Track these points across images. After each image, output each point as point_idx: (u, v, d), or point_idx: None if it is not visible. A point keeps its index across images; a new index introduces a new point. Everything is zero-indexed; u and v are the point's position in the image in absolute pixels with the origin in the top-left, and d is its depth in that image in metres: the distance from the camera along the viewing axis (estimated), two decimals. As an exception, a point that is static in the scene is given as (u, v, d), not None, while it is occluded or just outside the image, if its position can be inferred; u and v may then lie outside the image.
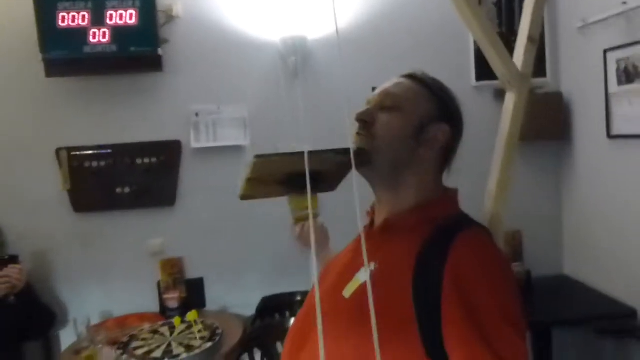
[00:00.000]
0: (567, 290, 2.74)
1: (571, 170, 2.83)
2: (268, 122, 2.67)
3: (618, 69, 2.39)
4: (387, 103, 0.98)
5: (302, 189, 0.98)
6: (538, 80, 2.80)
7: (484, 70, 2.77)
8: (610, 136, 2.48)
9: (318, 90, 2.66)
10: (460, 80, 2.79)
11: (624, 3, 2.23)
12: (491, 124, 2.86)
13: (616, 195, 2.50)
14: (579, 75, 2.71)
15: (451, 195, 1.03)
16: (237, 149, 2.68)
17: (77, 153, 2.59)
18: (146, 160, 2.63)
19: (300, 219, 1.13)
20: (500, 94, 2.81)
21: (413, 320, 0.83)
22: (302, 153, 0.90)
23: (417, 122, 0.97)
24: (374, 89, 2.93)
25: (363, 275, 0.92)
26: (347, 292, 0.92)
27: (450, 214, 0.98)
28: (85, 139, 2.61)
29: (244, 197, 1.02)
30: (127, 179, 2.62)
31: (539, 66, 2.81)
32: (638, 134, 2.31)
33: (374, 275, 0.90)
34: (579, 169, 2.78)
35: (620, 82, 2.39)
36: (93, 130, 2.62)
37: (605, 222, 2.60)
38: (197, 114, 2.64)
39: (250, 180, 0.97)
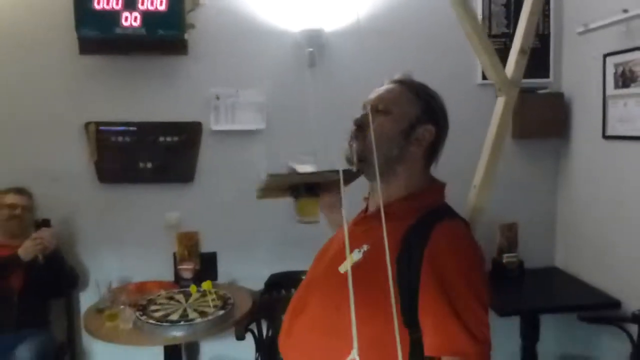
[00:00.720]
0: (557, 281, 2.91)
1: (568, 167, 2.99)
2: (284, 108, 2.83)
3: (616, 73, 2.53)
4: (380, 107, 1.12)
5: (304, 195, 1.21)
6: (541, 81, 2.95)
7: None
8: (605, 136, 2.63)
9: (332, 80, 2.81)
10: (466, 78, 2.95)
11: (625, 11, 2.36)
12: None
13: (608, 193, 2.66)
14: (579, 77, 2.85)
15: (438, 187, 1.18)
16: (253, 132, 2.84)
17: (105, 128, 2.75)
18: (168, 139, 2.79)
19: (303, 222, 1.28)
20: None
21: (397, 294, 0.99)
22: (303, 173, 1.13)
23: (406, 124, 1.10)
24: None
25: (357, 255, 1.07)
26: (342, 267, 1.07)
27: (436, 205, 1.13)
28: (112, 115, 2.77)
29: (259, 198, 1.28)
30: (150, 155, 2.79)
31: (542, 67, 2.95)
32: (631, 135, 2.46)
33: (366, 255, 1.06)
34: (575, 167, 2.93)
35: (617, 86, 2.53)
36: (120, 108, 2.78)
37: (596, 219, 2.76)
38: (217, 97, 2.80)
39: (264, 189, 1.22)
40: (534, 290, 2.80)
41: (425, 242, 1.00)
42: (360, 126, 1.12)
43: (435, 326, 0.96)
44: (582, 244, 2.88)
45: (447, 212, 1.11)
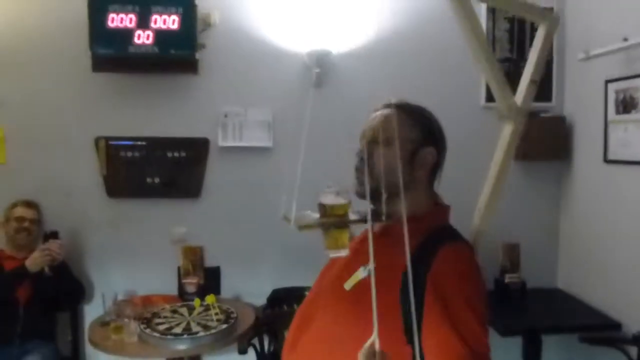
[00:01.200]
0: (559, 302, 2.92)
1: (569, 190, 3.02)
2: (290, 127, 2.88)
3: (617, 99, 2.58)
4: (380, 138, 1.14)
5: (334, 228, 1.14)
6: (544, 105, 3.00)
7: (491, 93, 2.96)
8: (606, 160, 2.67)
9: (338, 100, 2.87)
10: (470, 100, 3.00)
11: (625, 39, 2.42)
12: (497, 144, 3.06)
13: (609, 216, 2.69)
14: (581, 101, 2.91)
15: (442, 209, 1.22)
16: (260, 150, 2.90)
17: (114, 143, 2.82)
18: (176, 155, 2.85)
19: (332, 255, 1.23)
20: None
21: (399, 313, 1.03)
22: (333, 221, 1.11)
23: (408, 151, 1.14)
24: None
25: (362, 273, 1.09)
26: (348, 285, 1.11)
27: (440, 226, 1.17)
28: (122, 131, 2.84)
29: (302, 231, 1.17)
30: (158, 170, 2.85)
31: (545, 91, 3.01)
32: (631, 160, 2.50)
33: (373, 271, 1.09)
34: (576, 190, 2.97)
35: (618, 111, 2.58)
36: (130, 123, 2.85)
37: (597, 241, 2.78)
38: (225, 115, 2.87)
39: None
40: (536, 311, 2.81)
41: (429, 265, 1.04)
42: (363, 159, 1.15)
43: (438, 345, 0.99)
44: (584, 265, 2.90)
45: (451, 235, 1.14)
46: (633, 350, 2.37)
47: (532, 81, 1.29)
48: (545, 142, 2.94)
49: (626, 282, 2.55)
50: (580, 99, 2.91)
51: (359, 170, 1.16)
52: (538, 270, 3.06)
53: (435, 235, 1.11)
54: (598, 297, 2.74)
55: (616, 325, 2.53)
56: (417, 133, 1.16)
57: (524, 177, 3.05)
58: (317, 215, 1.14)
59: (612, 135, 2.64)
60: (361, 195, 1.14)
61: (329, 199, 1.11)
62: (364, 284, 1.08)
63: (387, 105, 1.21)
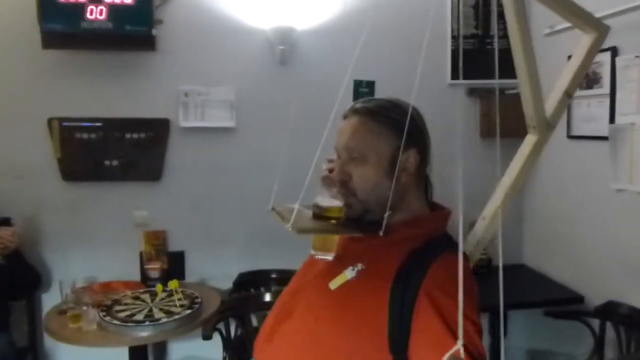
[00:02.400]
0: (524, 278, 2.95)
1: (534, 167, 3.04)
2: (254, 106, 2.81)
3: (580, 75, 2.59)
4: (355, 155, 1.06)
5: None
6: (508, 81, 2.98)
7: (458, 70, 2.95)
8: (569, 136, 2.69)
9: (303, 78, 2.80)
10: (436, 78, 2.97)
11: (588, 14, 2.42)
12: (463, 121, 3.06)
13: (573, 192, 2.72)
14: (545, 77, 2.90)
15: (442, 214, 1.14)
16: (223, 130, 2.81)
17: (69, 124, 2.69)
18: (135, 136, 2.74)
19: (317, 256, 1.16)
20: (472, 92, 3.01)
21: (385, 319, 0.97)
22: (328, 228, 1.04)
23: (386, 163, 1.04)
24: (355, 81, 3.05)
25: (350, 273, 1.04)
26: (334, 284, 1.05)
27: (437, 233, 1.10)
28: (77, 111, 2.71)
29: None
30: (116, 152, 2.73)
31: (510, 67, 2.99)
32: (594, 135, 2.52)
33: (360, 274, 1.04)
34: (541, 166, 2.99)
35: (581, 87, 2.59)
36: (85, 103, 2.72)
37: (561, 217, 2.82)
38: (186, 94, 2.77)
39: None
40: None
41: (422, 275, 0.98)
42: (344, 182, 1.07)
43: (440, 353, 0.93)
44: (549, 241, 2.94)
45: (447, 244, 1.07)
46: (595, 323, 2.42)
47: (566, 94, 1.20)
48: (510, 119, 2.91)
49: (589, 256, 2.59)
50: (545, 74, 2.90)
51: (342, 191, 1.06)
52: (504, 247, 3.07)
53: (432, 243, 1.05)
54: (562, 272, 2.78)
55: (579, 299, 2.57)
56: (393, 140, 1.05)
57: (489, 154, 3.05)
58: (308, 214, 1.07)
59: (575, 111, 2.66)
60: (353, 218, 1.07)
61: (325, 201, 1.04)
62: (350, 285, 1.04)
63: (354, 111, 1.11)
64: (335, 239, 1.09)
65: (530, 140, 1.18)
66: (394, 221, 1.07)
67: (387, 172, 1.04)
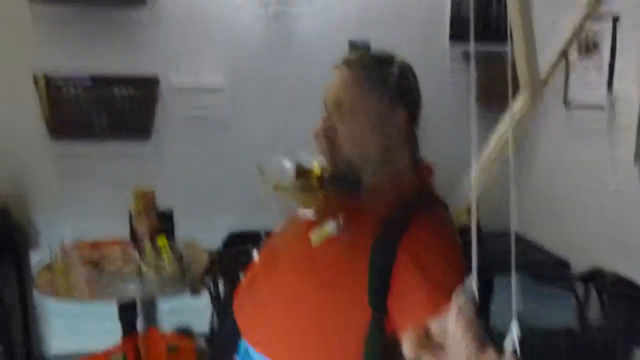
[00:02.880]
0: (511, 243, 2.98)
1: (529, 135, 3.03)
2: (247, 66, 2.76)
3: (579, 41, 2.54)
4: (342, 109, 1.04)
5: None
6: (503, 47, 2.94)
7: (456, 33, 2.89)
8: (566, 102, 2.66)
9: (296, 38, 2.75)
10: (434, 40, 2.92)
11: (589, -23, 2.36)
12: (460, 84, 3.03)
13: (564, 159, 2.71)
14: (543, 42, 2.86)
15: (425, 171, 1.13)
16: (214, 89, 2.77)
17: (56, 80, 2.63)
18: (124, 93, 2.69)
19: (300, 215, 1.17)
20: (469, 56, 2.95)
21: (365, 273, 0.97)
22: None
23: (374, 119, 1.03)
24: (350, 42, 2.99)
25: (331, 227, 1.04)
26: (315, 238, 1.04)
27: (421, 189, 1.09)
28: (64, 67, 2.64)
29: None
30: (105, 110, 2.69)
31: (505, 33, 2.95)
32: (590, 104, 2.50)
33: (342, 229, 1.03)
34: (535, 133, 2.97)
35: (580, 53, 2.55)
36: (72, 59, 2.66)
37: (553, 184, 2.82)
38: (177, 51, 2.71)
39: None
40: (489, 252, 2.86)
41: (404, 230, 0.97)
42: (329, 138, 1.05)
43: (421, 306, 0.91)
44: (537, 207, 2.95)
45: (431, 199, 1.07)
46: (580, 288, 2.45)
47: (562, 53, 1.17)
48: (506, 86, 2.90)
49: (577, 224, 2.61)
50: (543, 39, 2.86)
51: (327, 147, 1.05)
52: (492, 213, 3.09)
53: (415, 198, 1.04)
54: (549, 239, 2.81)
55: (565, 265, 2.60)
56: (382, 98, 1.02)
57: (483, 120, 3.02)
58: (291, 171, 1.07)
59: (572, 77, 2.62)
60: (337, 175, 1.06)
61: (308, 159, 1.05)
62: (331, 239, 1.03)
63: (346, 62, 1.07)
64: (318, 195, 1.08)
65: (520, 100, 1.17)
66: (378, 178, 1.06)
67: (375, 129, 1.02)
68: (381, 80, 1.02)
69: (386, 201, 1.03)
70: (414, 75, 1.10)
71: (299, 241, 1.09)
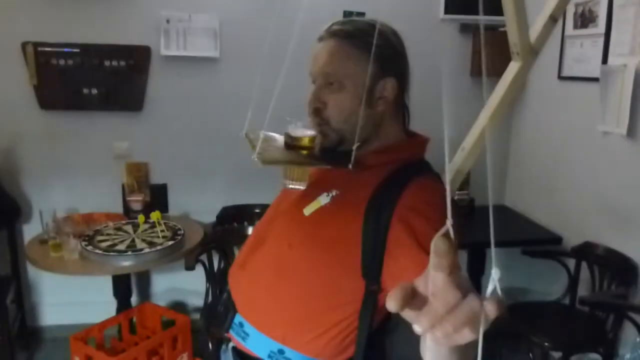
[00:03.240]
0: (504, 218, 2.99)
1: (522, 108, 3.01)
2: (239, 35, 2.70)
3: (576, 13, 2.52)
4: (331, 81, 1.02)
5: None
6: (500, 18, 2.90)
7: (451, 4, 2.84)
8: (560, 77, 2.65)
9: (290, 7, 2.68)
10: (429, 12, 2.87)
11: (589, -53, 2.32)
12: (455, 57, 2.99)
13: (558, 134, 2.71)
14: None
15: (417, 141, 1.11)
16: (206, 60, 2.71)
17: (44, 49, 2.56)
18: (114, 63, 2.63)
19: (288, 186, 1.14)
20: (465, 28, 2.92)
21: (358, 244, 0.96)
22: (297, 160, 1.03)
23: (363, 90, 0.99)
24: (345, 12, 2.94)
25: (324, 199, 1.03)
26: (308, 210, 1.04)
27: (413, 159, 1.07)
28: (53, 36, 2.57)
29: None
30: (95, 80, 2.63)
31: (500, 6, 2.90)
32: (585, 77, 2.48)
33: (334, 200, 1.03)
34: (529, 107, 2.96)
35: (576, 26, 2.52)
36: (61, 27, 2.58)
37: (547, 159, 2.82)
38: (167, 21, 2.64)
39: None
40: (482, 227, 2.87)
41: (397, 197, 0.96)
42: (318, 110, 1.04)
43: (413, 271, 0.89)
44: (531, 183, 2.96)
45: (423, 168, 1.06)
46: (571, 262, 2.48)
47: (551, 18, 1.15)
48: (501, 58, 2.85)
49: (569, 198, 2.62)
50: (539, 12, 2.83)
51: (316, 120, 1.04)
52: (486, 188, 3.09)
53: (407, 167, 1.03)
54: (542, 214, 2.82)
55: (557, 239, 2.62)
56: (371, 66, 0.98)
57: (476, 95, 3.01)
58: (280, 142, 1.06)
59: (567, 51, 2.60)
60: (327, 147, 1.04)
61: (298, 131, 1.03)
62: (324, 210, 1.03)
63: (332, 33, 1.04)
64: (308, 168, 1.08)
65: (513, 67, 1.16)
66: (369, 149, 1.06)
67: (364, 101, 1.00)
68: (368, 49, 0.97)
69: (378, 171, 1.02)
70: (401, 43, 1.08)
71: (291, 214, 1.08)
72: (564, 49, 2.61)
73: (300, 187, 1.08)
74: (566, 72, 2.62)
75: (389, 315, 1.05)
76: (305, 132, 1.03)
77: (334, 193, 1.03)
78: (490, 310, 0.44)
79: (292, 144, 1.04)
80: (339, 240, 0.99)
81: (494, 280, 0.46)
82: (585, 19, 2.47)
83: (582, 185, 2.54)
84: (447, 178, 0.75)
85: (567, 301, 2.47)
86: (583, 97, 2.51)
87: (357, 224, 0.97)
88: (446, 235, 0.48)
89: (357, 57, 1.01)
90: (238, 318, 1.09)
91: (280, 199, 1.19)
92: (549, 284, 2.72)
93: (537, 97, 2.89)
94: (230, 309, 1.11)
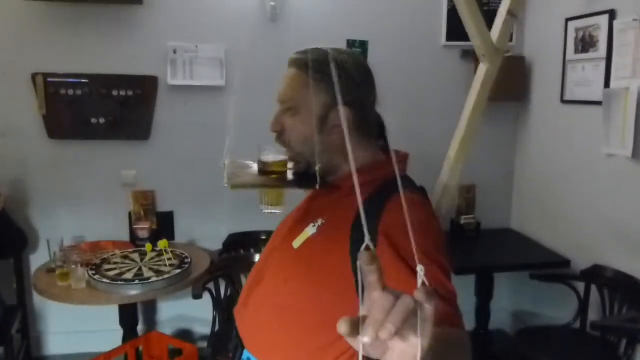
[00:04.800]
0: (511, 242, 2.99)
1: (526, 131, 3.03)
2: (244, 64, 2.74)
3: (577, 38, 2.55)
4: (288, 106, 1.06)
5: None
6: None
7: (453, 31, 2.89)
8: (563, 100, 2.67)
9: (295, 36, 2.73)
10: (431, 39, 2.92)
11: (588, -25, 2.37)
12: (457, 83, 3.02)
13: (563, 157, 2.72)
14: (541, 41, 2.87)
15: (396, 158, 1.09)
16: (213, 89, 2.75)
17: (54, 80, 2.61)
18: (122, 93, 2.67)
19: (266, 211, 1.20)
20: (466, 55, 2.96)
21: (349, 271, 0.95)
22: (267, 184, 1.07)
23: (317, 118, 1.01)
24: (348, 41, 2.99)
25: (311, 230, 1.04)
26: (297, 243, 1.04)
27: (393, 176, 1.03)
28: (62, 66, 2.62)
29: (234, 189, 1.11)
30: (103, 110, 2.67)
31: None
32: (587, 100, 2.50)
33: (321, 229, 1.03)
34: (533, 131, 2.98)
35: (577, 50, 2.56)
36: (70, 58, 2.63)
37: (550, 181, 2.83)
38: (174, 51, 2.69)
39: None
40: (489, 250, 2.87)
41: (379, 216, 0.96)
42: (279, 133, 1.07)
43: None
44: (537, 206, 2.96)
45: (403, 183, 1.03)
46: (580, 286, 2.46)
47: (509, 14, 1.18)
48: (505, 82, 2.89)
49: (577, 221, 2.61)
50: (541, 38, 2.87)
51: (279, 142, 1.08)
52: (492, 211, 3.10)
53: (385, 186, 1.02)
54: (549, 237, 2.81)
55: (565, 263, 2.60)
56: (324, 96, 1.01)
57: (482, 119, 3.04)
58: (255, 168, 1.10)
59: (569, 74, 2.63)
60: (296, 171, 1.08)
61: (270, 157, 1.07)
62: (312, 241, 1.03)
63: (291, 62, 1.08)
64: (282, 192, 1.11)
65: (482, 69, 1.20)
66: (345, 172, 1.07)
67: (318, 128, 1.02)
68: (322, 80, 1.02)
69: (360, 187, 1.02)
70: (362, 72, 1.08)
71: (283, 248, 1.09)
72: (565, 73, 2.64)
73: (276, 211, 1.11)
74: (568, 96, 2.64)
75: None
76: (277, 157, 1.08)
77: (319, 222, 1.04)
78: (421, 297, 0.49)
79: (263, 169, 1.08)
80: (330, 269, 0.98)
81: (420, 276, 0.53)
82: (586, 44, 2.50)
83: (589, 208, 2.53)
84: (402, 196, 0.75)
85: (577, 325, 2.44)
86: (586, 120, 2.52)
87: (345, 248, 0.96)
88: (368, 251, 0.54)
89: (310, 86, 1.03)
90: (246, 354, 1.10)
91: (276, 233, 1.20)
92: (557, 308, 2.70)
93: (541, 121, 2.91)
94: (239, 345, 1.13)
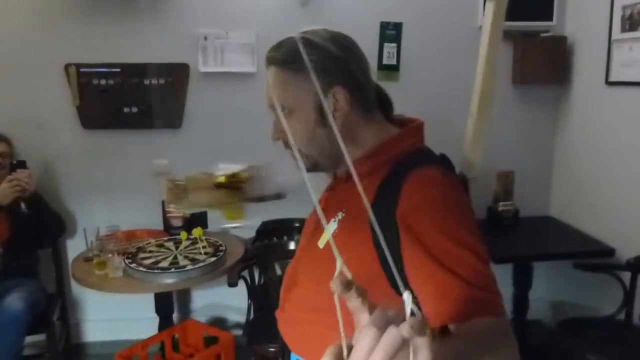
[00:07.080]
0: (551, 230, 2.89)
1: (567, 115, 2.92)
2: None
3: (623, 15, 2.42)
4: (282, 109, 0.98)
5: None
6: (543, 24, 2.83)
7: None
8: (608, 82, 2.55)
9: (326, 20, 2.67)
10: (467, 20, 2.82)
11: (637, -52, 2.23)
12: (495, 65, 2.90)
13: (606, 142, 2.60)
14: (584, 20, 2.74)
15: (410, 131, 1.03)
16: (244, 75, 2.72)
17: (86, 70, 2.62)
18: (154, 82, 2.67)
19: (228, 226, 1.17)
20: (505, 35, 2.84)
21: (377, 260, 0.89)
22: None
23: (313, 110, 0.96)
24: (382, 23, 2.92)
25: (332, 226, 0.98)
26: (321, 242, 0.98)
27: (410, 149, 0.99)
28: (94, 57, 2.63)
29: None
30: (135, 99, 2.67)
31: (545, 9, 2.83)
32: (635, 81, 2.38)
33: (342, 223, 0.97)
34: (574, 114, 2.86)
35: (623, 29, 2.43)
36: (102, 48, 2.63)
37: (594, 167, 2.71)
38: (205, 38, 2.66)
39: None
40: (528, 239, 2.78)
41: (396, 200, 0.88)
42: (283, 140, 1.01)
43: (436, 290, 0.82)
44: (578, 193, 2.85)
45: (418, 160, 0.96)
46: (626, 276, 2.36)
47: None
48: (545, 64, 2.80)
49: (621, 208, 2.51)
50: (584, 16, 2.74)
51: (288, 150, 1.00)
52: (531, 198, 3.00)
53: (401, 164, 0.95)
54: (591, 225, 2.70)
55: (610, 252, 2.50)
56: (313, 86, 0.92)
57: (521, 102, 2.94)
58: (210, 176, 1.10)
59: (615, 55, 2.50)
60: (309, 170, 1.01)
61: (221, 169, 1.07)
62: (335, 238, 0.97)
63: (268, 61, 1.00)
64: (239, 207, 1.06)
65: (489, 7, 1.15)
66: (356, 157, 0.99)
67: (318, 121, 0.96)
68: (303, 69, 0.92)
69: (374, 177, 0.96)
70: (341, 45, 0.99)
71: (310, 250, 1.05)
72: (611, 54, 2.52)
73: (238, 224, 1.07)
74: (614, 77, 2.52)
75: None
76: (230, 169, 1.03)
77: (339, 216, 0.98)
78: (406, 331, 0.43)
79: (217, 182, 1.08)
80: (358, 262, 0.91)
81: (408, 304, 0.47)
82: (634, 22, 2.37)
83: (634, 195, 2.42)
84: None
85: (622, 316, 2.36)
86: (632, 102, 2.40)
87: (368, 240, 0.90)
88: (340, 278, 0.51)
89: (294, 79, 0.97)
90: (294, 357, 1.08)
91: (305, 227, 1.16)
92: (599, 298, 2.61)
93: (583, 103, 2.79)
94: (285, 349, 1.11)
